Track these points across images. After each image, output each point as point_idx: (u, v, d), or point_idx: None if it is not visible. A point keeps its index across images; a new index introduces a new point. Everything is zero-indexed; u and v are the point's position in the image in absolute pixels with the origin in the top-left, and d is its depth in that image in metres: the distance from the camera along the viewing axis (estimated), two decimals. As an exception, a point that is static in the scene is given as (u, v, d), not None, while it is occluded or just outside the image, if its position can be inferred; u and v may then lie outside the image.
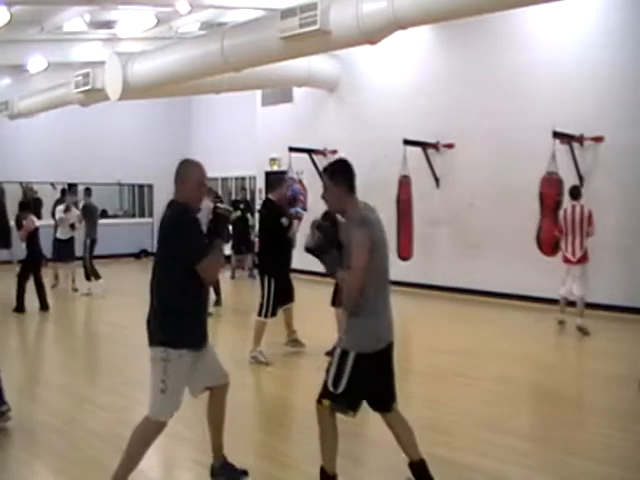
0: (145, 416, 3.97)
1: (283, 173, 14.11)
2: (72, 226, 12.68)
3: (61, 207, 12.94)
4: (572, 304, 9.33)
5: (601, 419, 5.80)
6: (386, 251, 3.97)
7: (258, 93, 17.01)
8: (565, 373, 7.46)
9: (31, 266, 10.72)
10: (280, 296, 7.50)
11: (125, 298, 12.15)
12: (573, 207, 9.17)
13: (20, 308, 10.67)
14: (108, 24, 14.61)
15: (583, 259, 9.14)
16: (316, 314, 9.21)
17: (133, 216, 21.03)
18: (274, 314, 7.52)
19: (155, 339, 3.96)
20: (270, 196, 7.77)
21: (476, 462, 4.71)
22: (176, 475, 4.89)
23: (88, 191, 13.31)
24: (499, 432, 5.37)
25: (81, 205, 13.19)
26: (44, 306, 10.89)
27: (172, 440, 5.21)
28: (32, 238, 10.70)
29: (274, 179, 8.15)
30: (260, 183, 17.13)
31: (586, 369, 7.56)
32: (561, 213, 9.34)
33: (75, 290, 13.05)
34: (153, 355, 3.95)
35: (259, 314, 7.46)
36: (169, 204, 4.06)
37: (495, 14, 9.33)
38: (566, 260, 9.25)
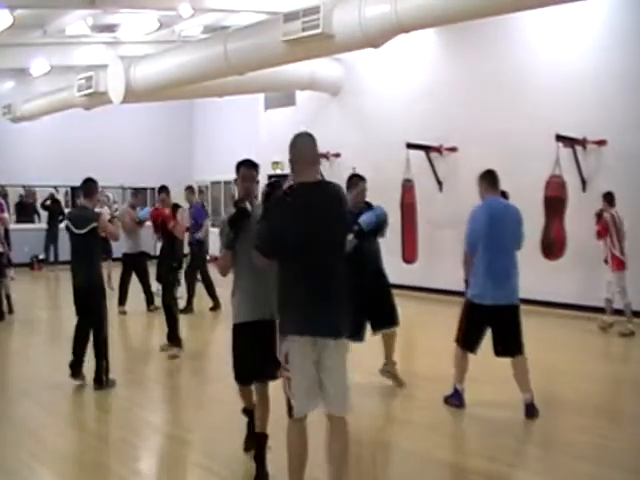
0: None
1: (285, 177, 14.03)
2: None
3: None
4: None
5: (608, 423, 5.77)
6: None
7: (261, 96, 16.99)
8: (570, 377, 7.41)
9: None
10: (371, 315, 6.11)
11: (131, 302, 11.95)
12: (617, 213, 9.23)
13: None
14: (111, 27, 14.64)
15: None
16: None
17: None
18: (359, 337, 5.93)
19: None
20: None
21: (481, 465, 4.68)
22: (179, 478, 4.86)
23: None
24: (505, 435, 5.33)
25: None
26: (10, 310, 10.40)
27: (174, 443, 5.22)
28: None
29: (348, 180, 6.81)
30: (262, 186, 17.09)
31: (592, 372, 7.50)
32: (608, 218, 9.23)
33: None
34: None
35: None
36: None
37: (497, 18, 9.31)
38: (619, 265, 9.12)
